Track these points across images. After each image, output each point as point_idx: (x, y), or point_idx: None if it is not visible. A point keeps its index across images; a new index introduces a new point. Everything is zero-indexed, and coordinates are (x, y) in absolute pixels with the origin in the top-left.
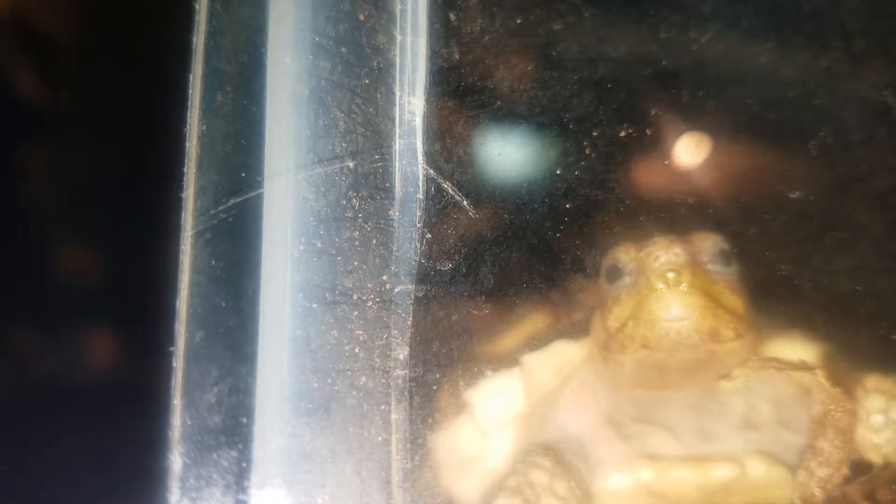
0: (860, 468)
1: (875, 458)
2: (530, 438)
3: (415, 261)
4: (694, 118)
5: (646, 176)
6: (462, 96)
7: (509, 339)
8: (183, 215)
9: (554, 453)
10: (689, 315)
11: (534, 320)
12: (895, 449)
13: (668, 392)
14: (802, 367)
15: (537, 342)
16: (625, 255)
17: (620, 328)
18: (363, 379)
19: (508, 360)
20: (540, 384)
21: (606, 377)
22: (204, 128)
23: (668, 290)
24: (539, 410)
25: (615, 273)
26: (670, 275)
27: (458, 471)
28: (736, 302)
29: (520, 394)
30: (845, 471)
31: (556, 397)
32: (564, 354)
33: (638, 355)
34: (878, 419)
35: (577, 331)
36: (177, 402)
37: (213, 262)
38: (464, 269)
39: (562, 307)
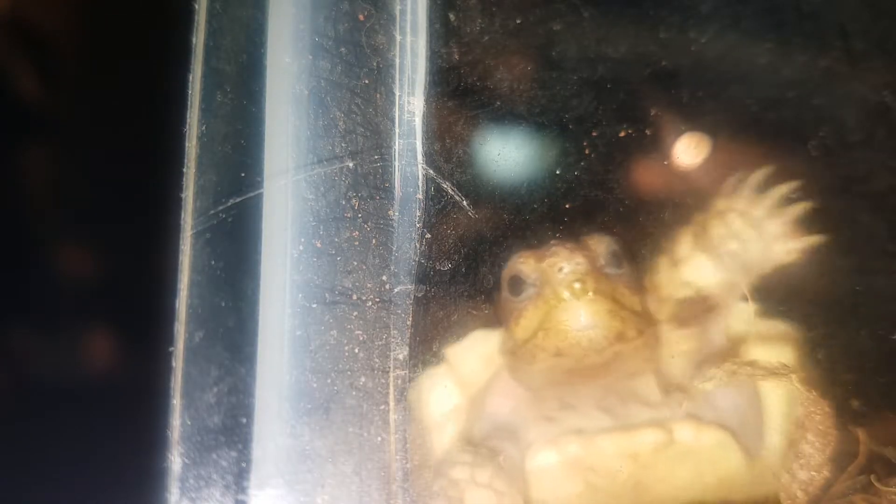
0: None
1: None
2: (469, 428)
3: (414, 261)
4: (694, 118)
5: (645, 176)
6: (462, 96)
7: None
8: (182, 215)
9: (476, 444)
10: (598, 322)
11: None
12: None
13: (579, 386)
14: (779, 371)
15: (459, 335)
16: (526, 265)
17: (529, 339)
18: (362, 379)
19: (435, 357)
20: (471, 375)
21: (518, 380)
22: (204, 128)
23: (575, 299)
24: (476, 402)
25: (518, 285)
26: (576, 285)
27: (423, 468)
28: (634, 301)
29: (452, 387)
30: (827, 473)
31: (490, 384)
32: (486, 344)
33: (547, 363)
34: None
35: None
36: (176, 402)
37: (213, 262)
38: (463, 269)
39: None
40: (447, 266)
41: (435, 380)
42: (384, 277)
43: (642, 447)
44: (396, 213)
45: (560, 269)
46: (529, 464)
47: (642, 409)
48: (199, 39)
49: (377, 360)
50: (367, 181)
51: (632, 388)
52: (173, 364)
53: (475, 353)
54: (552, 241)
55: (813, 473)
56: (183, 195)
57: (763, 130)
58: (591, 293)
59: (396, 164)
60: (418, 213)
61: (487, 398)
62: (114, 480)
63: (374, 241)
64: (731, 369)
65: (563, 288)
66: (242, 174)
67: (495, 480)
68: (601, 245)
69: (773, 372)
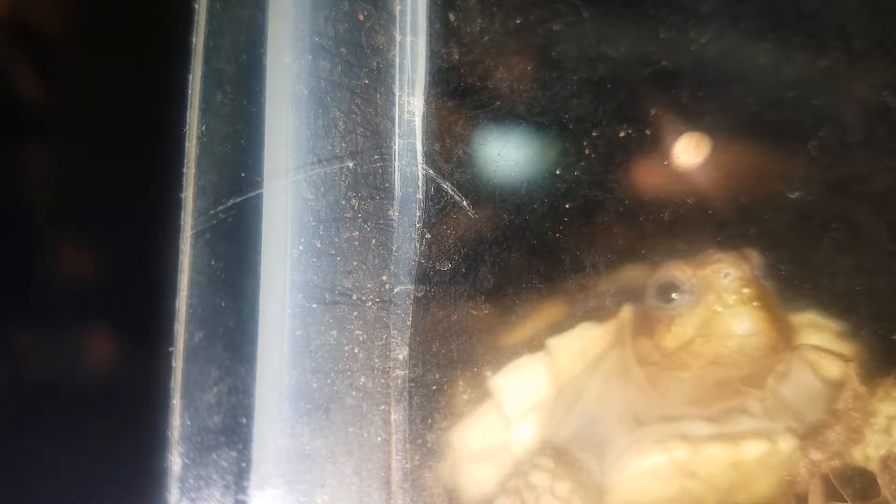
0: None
1: (858, 455)
2: (553, 428)
3: (414, 261)
4: (694, 118)
5: (645, 176)
6: (462, 96)
7: (524, 328)
8: (182, 215)
9: (561, 453)
10: (761, 329)
11: (548, 310)
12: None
13: (717, 405)
14: (839, 357)
15: (561, 327)
16: (682, 273)
17: (684, 347)
18: (362, 379)
19: (532, 346)
20: (566, 368)
21: (651, 396)
22: (203, 128)
23: (742, 305)
24: (564, 396)
25: (670, 291)
26: (745, 290)
27: (476, 463)
28: (783, 314)
29: (545, 378)
30: (837, 462)
31: (582, 383)
32: (590, 337)
33: (702, 372)
34: (880, 422)
35: (597, 316)
36: (176, 402)
37: (213, 262)
38: (463, 270)
39: (577, 296)
40: (447, 266)
41: (530, 368)
42: (384, 277)
43: (748, 456)
44: (396, 213)
45: (726, 275)
46: (629, 463)
47: (743, 419)
48: (199, 39)
49: (377, 360)
50: (367, 181)
51: (741, 399)
52: (173, 364)
53: (578, 344)
54: (710, 251)
55: (825, 457)
56: (183, 195)
57: (763, 130)
58: (755, 301)
59: (396, 164)
60: (418, 213)
61: (582, 398)
62: (114, 480)
63: (374, 241)
64: (801, 354)
65: (730, 294)
66: (242, 174)
67: (574, 496)
68: (754, 257)
69: (834, 356)
